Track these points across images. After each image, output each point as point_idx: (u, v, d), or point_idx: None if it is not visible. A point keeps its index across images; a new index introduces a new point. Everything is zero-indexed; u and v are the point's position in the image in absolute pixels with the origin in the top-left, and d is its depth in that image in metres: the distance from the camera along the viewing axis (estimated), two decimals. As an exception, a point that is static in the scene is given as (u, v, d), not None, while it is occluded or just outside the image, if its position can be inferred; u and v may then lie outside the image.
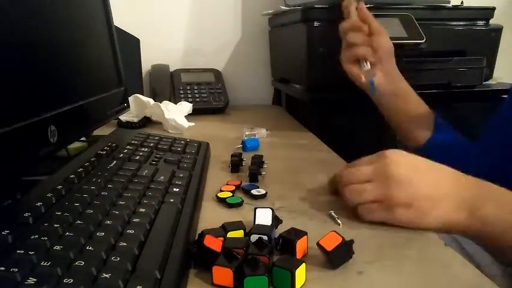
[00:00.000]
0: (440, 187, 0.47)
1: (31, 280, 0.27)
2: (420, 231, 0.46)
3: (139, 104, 0.99)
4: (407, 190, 0.46)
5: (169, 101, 1.05)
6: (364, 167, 0.49)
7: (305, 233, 0.40)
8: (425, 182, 0.46)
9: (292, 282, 0.33)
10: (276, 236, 0.41)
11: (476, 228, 0.45)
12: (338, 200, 0.55)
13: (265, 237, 0.39)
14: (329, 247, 0.37)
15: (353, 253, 0.39)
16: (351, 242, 0.39)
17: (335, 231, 0.39)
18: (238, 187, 0.58)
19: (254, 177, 0.61)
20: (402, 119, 0.81)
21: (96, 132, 0.72)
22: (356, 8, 0.80)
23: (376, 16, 0.93)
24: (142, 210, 0.41)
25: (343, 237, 0.38)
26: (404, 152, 0.49)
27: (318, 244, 0.38)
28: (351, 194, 0.48)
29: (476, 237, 0.47)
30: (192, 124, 0.94)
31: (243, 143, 0.79)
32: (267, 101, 1.39)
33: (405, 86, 0.81)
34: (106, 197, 0.42)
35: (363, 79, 0.78)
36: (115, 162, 0.54)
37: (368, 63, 0.78)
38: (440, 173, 0.48)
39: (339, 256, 0.38)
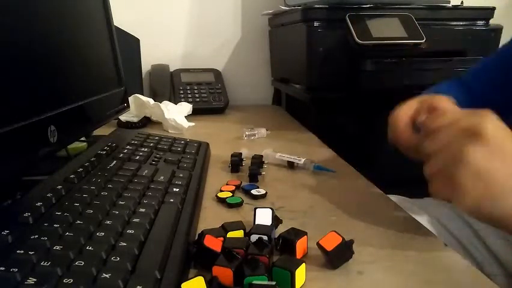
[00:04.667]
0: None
1: (31, 280, 0.27)
2: (420, 232, 0.46)
3: (139, 104, 0.99)
4: (488, 157, 0.36)
5: (169, 101, 1.05)
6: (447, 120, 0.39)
7: (305, 233, 0.40)
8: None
9: (292, 282, 0.33)
10: (276, 236, 0.41)
11: None
12: (337, 200, 0.55)
13: (265, 237, 0.39)
14: (329, 247, 0.37)
15: (353, 253, 0.39)
16: (351, 242, 0.39)
17: (335, 231, 0.39)
18: (238, 187, 0.58)
19: (254, 177, 0.61)
20: None
21: (96, 132, 0.72)
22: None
23: (376, 16, 0.93)
24: (142, 210, 0.41)
25: (343, 237, 0.38)
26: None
27: (318, 244, 0.38)
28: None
29: None
30: (191, 124, 0.94)
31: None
32: (267, 101, 1.40)
33: None
34: (106, 197, 0.42)
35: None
36: (115, 162, 0.54)
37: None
38: None
39: (339, 256, 0.38)
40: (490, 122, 0.37)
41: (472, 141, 0.37)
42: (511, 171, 0.36)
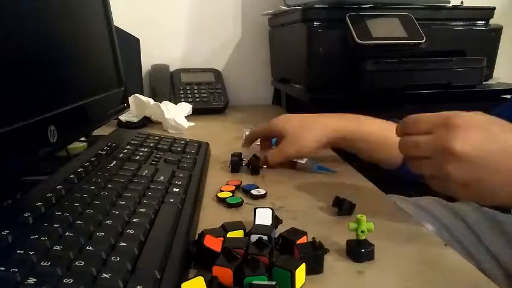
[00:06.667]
0: (506, 176, 0.40)
1: (31, 280, 0.27)
2: (420, 232, 0.46)
3: (139, 104, 0.99)
4: (467, 170, 0.40)
5: (169, 101, 1.05)
6: (422, 137, 0.42)
7: (305, 233, 0.40)
8: (489, 168, 0.40)
9: (292, 282, 0.33)
10: (276, 236, 0.41)
11: None
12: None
13: (265, 237, 0.39)
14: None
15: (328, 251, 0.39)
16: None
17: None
18: (238, 187, 0.58)
19: (256, 170, 0.62)
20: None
21: (96, 132, 0.72)
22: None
23: (376, 16, 0.93)
24: (142, 210, 0.41)
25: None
26: (478, 116, 0.42)
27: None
28: (404, 147, 0.44)
29: None
30: (191, 124, 0.94)
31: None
32: (267, 101, 1.39)
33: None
34: (106, 197, 0.42)
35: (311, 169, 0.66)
36: (115, 162, 0.54)
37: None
38: (510, 161, 0.40)
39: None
40: (458, 139, 0.40)
41: (448, 160, 0.40)
42: (490, 174, 0.40)
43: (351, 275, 0.37)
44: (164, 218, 0.41)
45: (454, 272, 0.38)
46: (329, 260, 0.39)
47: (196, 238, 0.40)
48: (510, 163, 0.40)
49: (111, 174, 0.49)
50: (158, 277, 0.31)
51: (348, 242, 0.41)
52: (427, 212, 0.70)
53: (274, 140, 0.78)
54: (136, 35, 1.17)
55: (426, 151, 0.42)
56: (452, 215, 0.69)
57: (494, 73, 1.06)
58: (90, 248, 0.32)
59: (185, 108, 1.02)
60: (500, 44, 1.03)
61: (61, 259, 0.30)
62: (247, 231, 0.41)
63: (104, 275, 0.29)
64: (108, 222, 0.37)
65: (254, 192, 0.55)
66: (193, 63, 1.29)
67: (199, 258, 0.37)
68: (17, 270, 0.28)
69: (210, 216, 0.49)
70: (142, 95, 1.03)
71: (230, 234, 0.40)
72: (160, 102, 0.97)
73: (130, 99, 0.94)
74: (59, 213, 0.37)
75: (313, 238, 0.38)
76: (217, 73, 1.27)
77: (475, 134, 0.40)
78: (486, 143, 0.40)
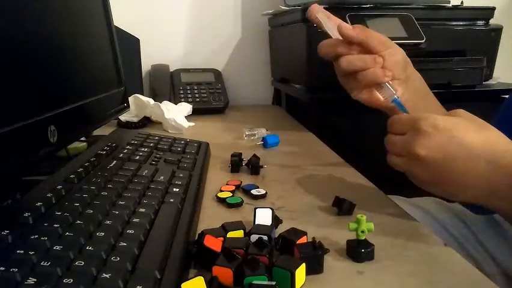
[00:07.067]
0: (469, 179, 0.43)
1: (31, 280, 0.27)
2: (420, 232, 0.46)
3: (139, 104, 0.99)
4: (429, 171, 0.43)
5: (169, 101, 1.05)
6: (397, 138, 0.45)
7: (305, 233, 0.40)
8: (452, 170, 0.42)
9: (292, 282, 0.33)
10: (276, 236, 0.41)
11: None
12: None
13: (265, 237, 0.39)
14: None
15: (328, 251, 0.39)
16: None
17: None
18: (238, 187, 0.58)
19: (256, 170, 0.62)
20: None
21: (96, 132, 0.72)
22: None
23: (376, 16, 0.93)
24: (142, 210, 0.41)
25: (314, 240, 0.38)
26: (448, 120, 0.43)
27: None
28: (386, 144, 0.47)
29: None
30: (191, 124, 0.94)
31: (264, 139, 0.80)
32: (267, 101, 1.39)
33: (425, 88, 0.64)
34: (106, 197, 0.42)
35: (388, 103, 0.57)
36: (115, 162, 0.54)
37: (389, 85, 0.57)
38: (474, 164, 0.42)
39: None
40: (421, 144, 0.43)
41: (413, 162, 0.44)
42: (451, 177, 0.43)
43: (351, 275, 0.37)
44: (164, 218, 0.41)
45: (454, 272, 0.38)
46: (329, 260, 0.39)
47: (196, 238, 0.40)
48: (472, 167, 0.42)
49: (111, 174, 0.49)
50: (158, 277, 0.31)
51: (348, 242, 0.41)
52: (427, 212, 0.70)
53: (276, 139, 0.78)
54: (136, 35, 1.17)
55: (399, 151, 0.45)
56: (452, 216, 0.70)
57: (494, 73, 1.06)
58: (90, 248, 0.32)
59: (185, 108, 1.03)
60: (500, 44, 1.03)
61: (61, 259, 0.30)
62: (247, 231, 0.41)
63: (104, 275, 0.29)
64: (108, 222, 0.37)
65: (254, 192, 0.55)
66: (193, 63, 1.29)
67: (199, 258, 0.37)
68: (17, 270, 0.28)
69: (210, 216, 0.49)
70: (142, 95, 1.03)
71: (230, 234, 0.40)
72: (160, 102, 0.97)
73: (130, 99, 0.94)
74: (59, 213, 0.37)
75: (313, 238, 0.38)
76: (217, 73, 1.27)
77: (438, 139, 0.42)
78: (448, 148, 0.42)
